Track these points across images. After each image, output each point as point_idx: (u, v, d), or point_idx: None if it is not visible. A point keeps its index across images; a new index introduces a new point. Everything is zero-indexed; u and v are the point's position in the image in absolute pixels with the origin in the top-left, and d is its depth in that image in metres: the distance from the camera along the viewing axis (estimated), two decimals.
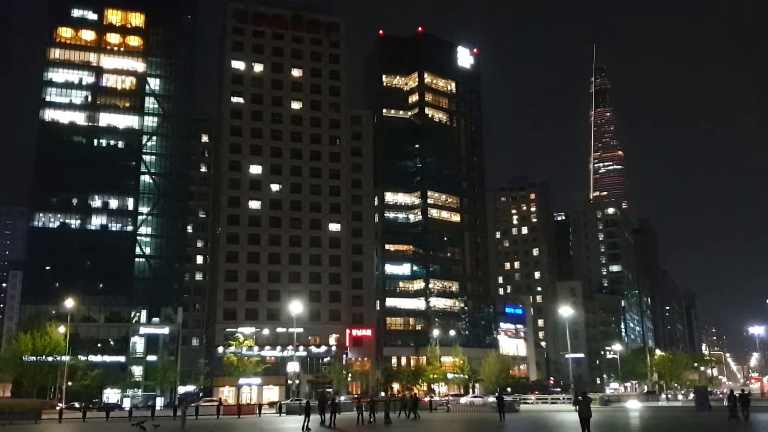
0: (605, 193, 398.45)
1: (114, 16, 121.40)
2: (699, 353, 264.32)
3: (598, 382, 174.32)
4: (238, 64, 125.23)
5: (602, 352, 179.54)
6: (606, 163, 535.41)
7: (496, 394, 63.48)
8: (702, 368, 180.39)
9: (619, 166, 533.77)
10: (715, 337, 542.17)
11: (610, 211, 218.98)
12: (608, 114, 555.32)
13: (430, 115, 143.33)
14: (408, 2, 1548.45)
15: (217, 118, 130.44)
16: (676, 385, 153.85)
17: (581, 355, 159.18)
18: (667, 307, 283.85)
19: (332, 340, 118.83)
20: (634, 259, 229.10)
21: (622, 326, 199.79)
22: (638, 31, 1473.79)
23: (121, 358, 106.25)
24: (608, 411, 65.03)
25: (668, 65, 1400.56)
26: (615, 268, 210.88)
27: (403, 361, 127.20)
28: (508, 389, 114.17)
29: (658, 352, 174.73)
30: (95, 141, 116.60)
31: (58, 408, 67.70)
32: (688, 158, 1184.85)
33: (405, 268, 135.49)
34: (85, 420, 61.17)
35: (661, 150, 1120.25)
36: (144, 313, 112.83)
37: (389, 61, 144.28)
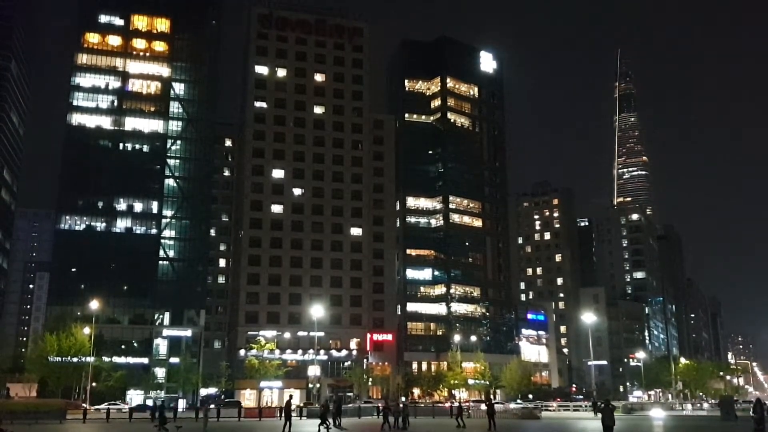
0: (629, 198, 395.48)
1: (140, 22, 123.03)
2: (725, 362, 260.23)
3: (622, 390, 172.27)
4: (262, 69, 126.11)
5: (626, 360, 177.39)
6: (630, 169, 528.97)
7: (487, 399, 56.78)
8: (728, 377, 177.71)
9: (643, 172, 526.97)
10: (741, 346, 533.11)
11: (634, 217, 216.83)
12: (633, 119, 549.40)
13: (452, 120, 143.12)
14: (430, 7, 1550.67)
15: (241, 122, 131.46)
16: (701, 394, 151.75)
17: (604, 362, 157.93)
18: (692, 315, 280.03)
19: (353, 344, 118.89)
20: (659, 265, 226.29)
21: (646, 334, 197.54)
22: (664, 34, 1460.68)
23: (145, 360, 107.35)
24: (631, 419, 64.41)
25: (693, 69, 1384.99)
26: (639, 274, 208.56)
27: (424, 366, 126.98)
28: (530, 396, 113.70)
29: (682, 360, 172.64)
30: (121, 145, 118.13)
31: (83, 406, 68.51)
32: (714, 164, 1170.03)
33: (426, 273, 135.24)
34: (109, 420, 61.93)
35: (686, 155, 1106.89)
36: (167, 315, 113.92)
37: (412, 65, 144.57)
